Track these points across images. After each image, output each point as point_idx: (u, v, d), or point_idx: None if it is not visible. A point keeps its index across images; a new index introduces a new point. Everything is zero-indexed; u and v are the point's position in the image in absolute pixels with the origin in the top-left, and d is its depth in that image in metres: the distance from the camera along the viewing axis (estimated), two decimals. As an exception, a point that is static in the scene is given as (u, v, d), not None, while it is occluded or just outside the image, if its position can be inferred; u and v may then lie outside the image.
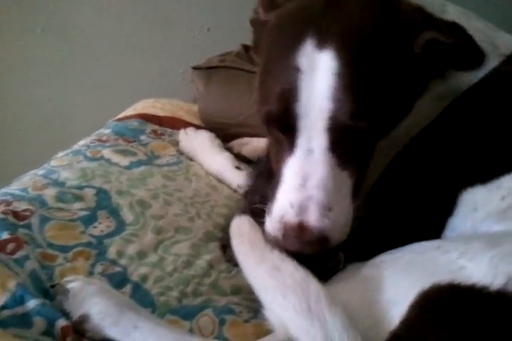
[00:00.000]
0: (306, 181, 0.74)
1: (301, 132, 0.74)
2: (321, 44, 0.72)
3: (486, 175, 0.83)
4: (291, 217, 0.73)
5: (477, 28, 0.92)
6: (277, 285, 0.68)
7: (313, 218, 0.72)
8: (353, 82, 0.72)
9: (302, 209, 0.73)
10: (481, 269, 0.62)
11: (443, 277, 0.63)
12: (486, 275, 0.61)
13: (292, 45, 0.74)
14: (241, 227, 0.78)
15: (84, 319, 0.70)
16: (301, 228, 0.72)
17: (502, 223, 0.78)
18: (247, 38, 1.00)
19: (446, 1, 0.98)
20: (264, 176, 1.01)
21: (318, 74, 0.72)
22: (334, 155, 0.74)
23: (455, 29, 0.80)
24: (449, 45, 0.78)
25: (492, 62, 0.90)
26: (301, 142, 0.75)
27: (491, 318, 0.58)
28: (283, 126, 0.76)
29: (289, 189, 0.75)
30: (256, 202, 0.94)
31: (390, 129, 0.83)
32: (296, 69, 0.72)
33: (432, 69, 0.84)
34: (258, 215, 0.82)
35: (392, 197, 0.92)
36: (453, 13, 0.92)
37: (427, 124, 0.90)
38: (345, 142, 0.74)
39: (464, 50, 0.81)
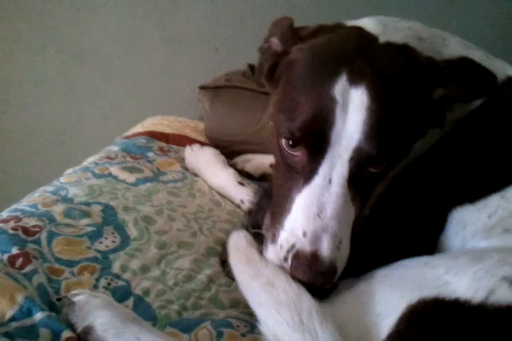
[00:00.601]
0: (321, 211, 0.74)
1: (326, 159, 0.76)
2: (355, 82, 0.77)
3: (474, 194, 0.86)
4: (305, 246, 0.73)
5: (477, 57, 0.96)
6: (271, 301, 0.71)
7: (326, 249, 0.72)
8: (381, 118, 0.76)
9: (317, 239, 0.73)
10: (464, 284, 0.65)
11: (429, 292, 0.66)
12: (468, 289, 0.64)
13: (328, 78, 0.78)
14: (238, 243, 0.80)
15: (88, 330, 0.72)
16: (314, 258, 0.72)
17: (488, 240, 0.81)
18: (253, 57, 1.05)
19: (449, 34, 1.03)
20: (268, 195, 1.04)
21: (352, 108, 0.76)
22: (350, 187, 0.76)
23: (462, 64, 0.86)
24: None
25: None
26: (323, 170, 0.76)
27: (473, 330, 0.61)
28: (310, 150, 0.78)
29: (303, 217, 0.75)
30: (259, 219, 0.97)
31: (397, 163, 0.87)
32: (333, 100, 0.76)
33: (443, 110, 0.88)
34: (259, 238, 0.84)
35: (388, 216, 0.95)
36: (453, 46, 0.98)
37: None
38: (363, 175, 0.77)
39: (474, 83, 0.86)
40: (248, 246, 0.80)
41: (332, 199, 0.75)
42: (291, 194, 0.79)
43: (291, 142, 0.79)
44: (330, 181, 0.76)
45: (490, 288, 0.63)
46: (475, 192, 0.87)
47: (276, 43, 0.94)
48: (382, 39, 0.86)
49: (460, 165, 0.90)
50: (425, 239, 0.90)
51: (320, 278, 0.72)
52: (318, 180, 0.76)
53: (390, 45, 0.85)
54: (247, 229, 0.96)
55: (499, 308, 0.61)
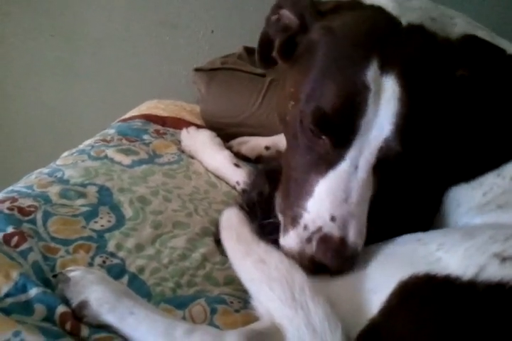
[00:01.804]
0: (348, 197, 0.74)
1: (354, 147, 0.76)
2: (386, 69, 0.76)
3: (469, 174, 0.87)
4: (334, 231, 0.73)
5: (481, 35, 0.95)
6: (263, 277, 0.72)
7: (354, 235, 0.73)
8: (412, 110, 0.76)
9: (345, 224, 0.73)
10: (456, 260, 0.65)
11: (421, 268, 0.66)
12: (459, 266, 0.64)
13: (360, 63, 0.77)
14: (230, 220, 0.81)
15: (83, 305, 0.73)
16: (342, 244, 0.73)
17: (480, 216, 0.81)
18: (249, 40, 1.04)
19: (454, 11, 1.02)
20: (264, 174, 1.04)
21: (384, 97, 0.75)
22: (375, 175, 0.77)
23: (471, 42, 0.86)
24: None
25: None
26: (351, 156, 0.76)
27: (462, 307, 0.62)
28: (339, 135, 0.77)
29: (330, 201, 0.75)
30: (253, 198, 0.98)
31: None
32: (366, 87, 0.75)
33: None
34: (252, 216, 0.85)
35: (385, 197, 0.96)
36: (461, 25, 0.96)
37: None
38: (387, 164, 0.77)
39: (485, 61, 0.85)
40: (240, 224, 0.81)
41: (359, 186, 0.75)
42: (314, 178, 0.78)
43: (318, 126, 0.77)
44: (356, 168, 0.75)
45: (481, 264, 0.63)
46: (470, 172, 0.87)
47: (289, 17, 0.90)
48: (403, 21, 0.84)
49: (456, 144, 0.89)
50: (420, 218, 0.90)
51: (344, 263, 0.73)
52: (344, 165, 0.76)
53: (412, 28, 0.84)
54: (242, 207, 0.97)
55: (489, 285, 0.61)
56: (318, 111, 0.77)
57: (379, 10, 0.87)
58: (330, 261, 0.73)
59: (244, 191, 1.10)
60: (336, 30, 0.83)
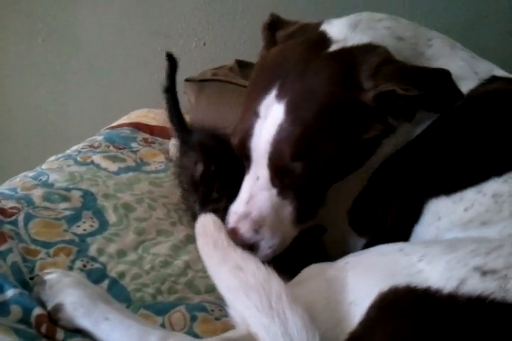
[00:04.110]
0: (250, 199, 0.89)
1: (253, 162, 0.90)
2: (279, 97, 0.85)
3: (450, 187, 0.87)
4: (232, 223, 0.90)
5: (461, 57, 0.99)
6: (240, 284, 0.70)
7: (243, 229, 0.88)
8: (289, 135, 0.84)
9: (240, 219, 0.89)
10: (437, 273, 0.64)
11: (401, 280, 0.65)
12: (440, 278, 0.63)
13: (263, 92, 0.87)
14: (205, 226, 0.80)
15: (58, 308, 0.72)
16: (234, 232, 0.88)
17: (465, 232, 0.81)
18: (241, 53, 1.06)
19: (437, 33, 1.03)
20: (199, 150, 1.06)
21: (268, 122, 0.86)
22: (275, 186, 0.88)
23: (431, 76, 0.85)
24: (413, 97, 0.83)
25: (471, 85, 0.95)
26: (253, 169, 0.90)
27: (442, 320, 0.61)
28: (242, 154, 0.92)
29: (238, 201, 0.91)
30: (184, 180, 1.06)
31: (339, 177, 0.93)
32: (256, 115, 0.87)
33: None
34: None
35: (367, 202, 0.97)
36: (437, 46, 0.98)
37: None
38: (284, 178, 0.87)
39: (438, 96, 0.85)
40: (216, 230, 0.80)
41: (259, 193, 0.89)
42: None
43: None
44: (259, 178, 0.89)
45: (461, 277, 0.62)
46: (451, 185, 0.87)
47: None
48: (337, 46, 0.88)
49: (437, 157, 0.91)
50: (399, 228, 0.91)
51: (249, 250, 0.82)
52: (249, 176, 0.91)
53: (335, 55, 0.87)
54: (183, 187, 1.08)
55: (469, 298, 0.60)
56: (233, 135, 0.93)
57: (319, 36, 0.92)
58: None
59: (173, 174, 1.14)
60: (267, 58, 0.95)
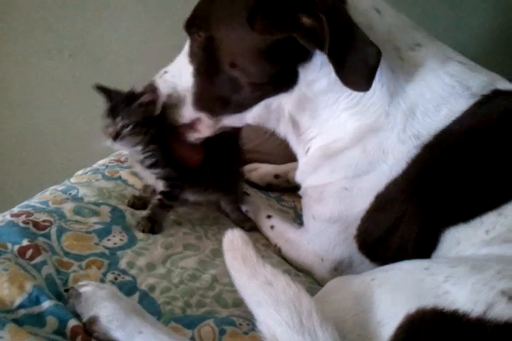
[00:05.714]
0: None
1: None
2: None
3: (468, 214, 0.87)
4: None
5: (448, 71, 0.94)
6: (270, 300, 0.70)
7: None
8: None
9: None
10: (463, 295, 0.64)
11: (428, 301, 0.65)
12: (467, 301, 0.63)
13: None
14: (233, 242, 0.81)
15: (93, 321, 0.73)
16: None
17: (487, 248, 0.81)
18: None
19: (437, 42, 1.00)
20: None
21: None
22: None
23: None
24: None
25: (462, 103, 0.93)
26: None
27: None
28: None
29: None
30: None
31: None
32: None
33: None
34: None
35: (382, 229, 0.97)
36: (422, 56, 0.95)
37: (408, 167, 0.94)
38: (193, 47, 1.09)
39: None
40: (245, 246, 0.80)
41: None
42: None
43: None
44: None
45: (489, 302, 0.62)
46: (469, 212, 0.87)
47: None
48: None
49: (452, 184, 0.90)
50: (417, 255, 0.91)
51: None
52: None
53: None
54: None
55: (497, 324, 0.60)
56: None
57: None
58: None
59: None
60: None
